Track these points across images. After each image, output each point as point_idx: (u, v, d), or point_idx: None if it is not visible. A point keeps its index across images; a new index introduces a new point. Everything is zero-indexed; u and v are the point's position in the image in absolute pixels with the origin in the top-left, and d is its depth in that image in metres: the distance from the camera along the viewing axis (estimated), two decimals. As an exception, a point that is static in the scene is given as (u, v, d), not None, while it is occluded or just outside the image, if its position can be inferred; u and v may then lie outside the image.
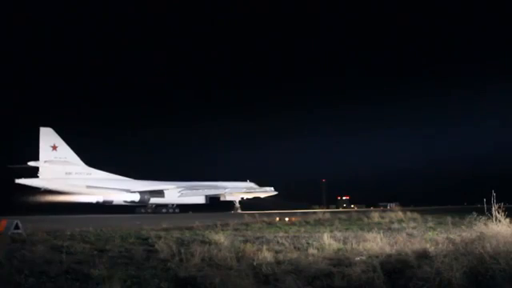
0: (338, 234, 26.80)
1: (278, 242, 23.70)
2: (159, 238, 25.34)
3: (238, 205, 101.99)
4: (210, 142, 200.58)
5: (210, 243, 22.71)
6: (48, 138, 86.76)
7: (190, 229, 34.51)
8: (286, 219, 48.09)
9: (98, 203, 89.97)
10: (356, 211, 77.48)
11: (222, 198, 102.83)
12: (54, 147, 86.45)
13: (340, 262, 17.08)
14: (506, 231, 19.40)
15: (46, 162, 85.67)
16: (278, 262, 16.97)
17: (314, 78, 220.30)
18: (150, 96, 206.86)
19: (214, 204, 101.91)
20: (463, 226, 28.63)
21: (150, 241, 24.74)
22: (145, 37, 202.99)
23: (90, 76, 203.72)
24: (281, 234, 29.28)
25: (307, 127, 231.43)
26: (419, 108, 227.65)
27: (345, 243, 22.27)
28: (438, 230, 30.99)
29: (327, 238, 23.01)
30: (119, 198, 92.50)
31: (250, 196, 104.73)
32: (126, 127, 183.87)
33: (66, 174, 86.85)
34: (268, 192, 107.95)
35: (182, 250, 19.12)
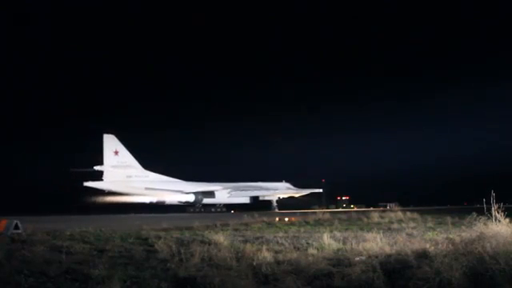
0: (338, 234, 26.80)
1: (277, 242, 23.71)
2: (159, 238, 25.33)
3: (275, 204, 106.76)
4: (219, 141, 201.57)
5: (209, 243, 22.70)
6: (111, 143, 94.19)
7: (189, 229, 34.51)
8: (286, 219, 48.10)
9: (151, 203, 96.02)
10: (356, 211, 77.49)
11: (261, 198, 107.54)
12: (116, 152, 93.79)
13: (340, 262, 17.08)
14: (505, 231, 19.37)
15: (110, 166, 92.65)
16: (278, 262, 16.96)
17: (313, 78, 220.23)
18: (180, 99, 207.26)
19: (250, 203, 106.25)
20: (463, 226, 28.63)
21: (149, 241, 24.72)
22: (187, 41, 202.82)
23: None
24: (280, 234, 29.28)
25: (307, 127, 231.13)
26: (419, 108, 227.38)
27: (344, 243, 22.28)
28: (438, 230, 30.99)
29: (327, 238, 23.02)
30: (174, 198, 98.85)
31: (286, 195, 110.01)
32: (162, 128, 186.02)
33: (127, 177, 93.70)
34: (302, 192, 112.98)
35: (182, 250, 19.13)
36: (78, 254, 20.03)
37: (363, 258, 17.72)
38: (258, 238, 26.35)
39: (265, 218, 45.91)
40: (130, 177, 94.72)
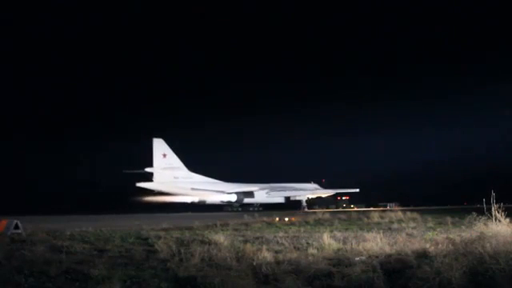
0: (338, 234, 26.78)
1: (277, 242, 23.70)
2: (159, 238, 25.35)
3: (304, 204, 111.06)
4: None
5: (209, 243, 22.70)
6: (159, 147, 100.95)
7: (189, 229, 34.52)
8: (286, 219, 48.10)
9: (192, 203, 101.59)
10: (356, 211, 77.50)
11: (292, 198, 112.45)
12: (164, 155, 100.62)
13: (340, 262, 17.07)
14: (505, 231, 19.40)
15: (159, 168, 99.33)
16: (278, 262, 16.95)
17: (313, 78, 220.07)
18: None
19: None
20: (463, 226, 28.64)
21: (149, 241, 24.73)
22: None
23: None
24: (280, 234, 29.27)
25: (307, 127, 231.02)
26: (420, 108, 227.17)
27: (344, 243, 22.26)
28: (438, 230, 30.96)
29: (327, 237, 23.00)
30: (217, 198, 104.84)
31: (315, 196, 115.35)
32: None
33: (175, 178, 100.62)
34: (329, 192, 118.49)
35: (182, 250, 19.13)
36: (78, 254, 20.04)
37: (363, 257, 17.72)
38: (258, 238, 26.34)
39: (265, 218, 45.90)
40: (176, 178, 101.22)
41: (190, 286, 13.85)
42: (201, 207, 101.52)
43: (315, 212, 55.16)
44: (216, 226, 37.11)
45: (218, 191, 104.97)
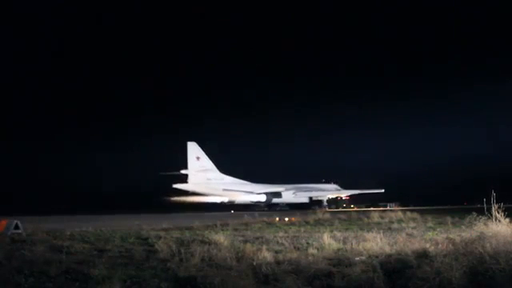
0: (338, 234, 26.79)
1: (277, 242, 23.70)
2: (159, 238, 25.35)
3: (325, 203, 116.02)
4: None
5: (209, 243, 22.70)
6: (193, 150, 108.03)
7: (189, 229, 34.53)
8: (286, 219, 48.11)
9: (222, 203, 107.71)
10: (356, 211, 77.51)
11: (314, 198, 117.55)
12: (198, 158, 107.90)
13: (340, 261, 17.07)
14: (505, 231, 19.40)
15: (193, 170, 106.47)
16: (278, 262, 16.96)
17: (312, 78, 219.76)
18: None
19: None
20: (463, 226, 28.61)
21: (149, 241, 24.73)
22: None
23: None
24: (281, 233, 29.26)
25: (306, 127, 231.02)
26: (419, 108, 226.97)
27: (345, 243, 22.28)
28: (438, 230, 30.99)
29: (327, 237, 23.02)
30: (248, 198, 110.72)
31: (335, 196, 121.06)
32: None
33: (207, 179, 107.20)
34: (350, 192, 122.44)
35: (182, 250, 19.14)
36: (78, 254, 20.04)
37: (363, 257, 17.73)
38: (258, 238, 26.35)
39: (265, 218, 45.91)
40: (209, 179, 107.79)
41: (190, 286, 13.86)
42: (230, 207, 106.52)
43: (316, 212, 55.20)
44: (216, 226, 37.09)
45: (247, 192, 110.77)
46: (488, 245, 15.83)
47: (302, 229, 34.71)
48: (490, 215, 21.80)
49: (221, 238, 24.22)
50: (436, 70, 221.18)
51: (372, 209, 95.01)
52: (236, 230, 34.41)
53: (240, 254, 18.74)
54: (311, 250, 20.08)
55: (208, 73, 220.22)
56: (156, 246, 21.37)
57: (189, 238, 26.65)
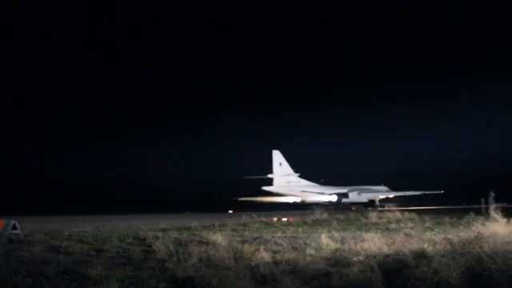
0: (336, 235, 26.80)
1: (275, 243, 23.70)
2: (157, 238, 25.30)
3: (378, 203, 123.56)
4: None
5: (207, 243, 22.69)
6: (276, 157, 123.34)
7: (187, 229, 34.47)
8: (284, 219, 48.10)
9: (294, 203, 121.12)
10: (354, 211, 77.56)
11: (370, 198, 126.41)
12: (280, 164, 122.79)
13: (338, 262, 17.11)
14: (503, 231, 19.47)
15: (278, 174, 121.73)
16: (276, 263, 16.98)
17: (309, 78, 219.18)
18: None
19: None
20: (461, 227, 28.62)
21: (147, 241, 24.71)
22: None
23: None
24: (279, 234, 29.25)
25: (306, 127, 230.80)
26: (418, 108, 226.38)
27: (342, 243, 22.30)
28: (436, 230, 31.02)
29: (325, 238, 23.04)
30: (321, 199, 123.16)
31: (385, 196, 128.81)
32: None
33: (288, 182, 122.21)
34: (397, 193, 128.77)
35: (180, 251, 19.12)
36: (75, 255, 20.04)
37: (361, 258, 17.76)
38: (256, 239, 26.33)
39: (263, 218, 45.86)
40: (289, 182, 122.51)
41: (187, 287, 13.87)
42: (302, 206, 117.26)
43: (314, 212, 55.21)
44: (214, 226, 37.08)
45: (320, 193, 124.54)
46: (486, 245, 15.88)
47: (300, 229, 34.70)
48: (487, 215, 21.85)
49: (219, 238, 24.20)
50: (438, 70, 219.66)
51: (370, 209, 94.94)
52: (234, 230, 34.39)
53: (238, 255, 18.76)
54: (309, 251, 20.11)
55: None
56: (154, 247, 21.35)
57: (187, 238, 26.66)
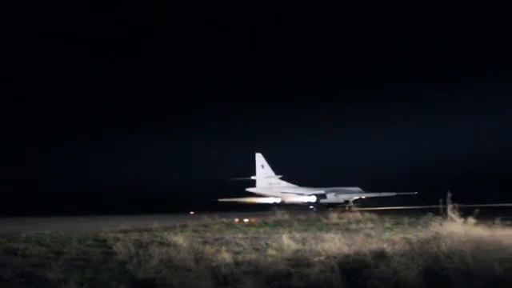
0: (297, 235, 26.93)
1: (237, 244, 23.68)
2: (117, 240, 25.03)
3: (351, 204, 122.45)
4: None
5: (168, 245, 22.55)
6: (259, 160, 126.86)
7: (148, 230, 34.18)
8: (246, 220, 48.11)
9: (274, 203, 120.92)
10: (315, 212, 78.07)
11: (345, 199, 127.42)
12: (262, 166, 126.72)
13: (299, 262, 17.20)
14: (460, 231, 19.82)
15: (260, 176, 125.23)
16: (237, 263, 16.99)
17: (304, 77, 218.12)
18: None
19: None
20: (419, 227, 29.08)
21: (107, 243, 24.44)
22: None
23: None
24: (240, 235, 29.28)
25: (289, 129, 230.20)
26: (377, 110, 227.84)
27: (303, 244, 22.41)
28: (395, 230, 31.44)
29: (286, 238, 23.11)
30: (300, 199, 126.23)
31: (358, 197, 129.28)
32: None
33: (269, 184, 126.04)
34: (370, 194, 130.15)
35: (141, 252, 18.98)
36: (33, 257, 19.71)
37: (322, 258, 17.88)
38: (217, 240, 26.30)
39: (224, 220, 45.75)
40: (271, 184, 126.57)
41: (148, 288, 13.78)
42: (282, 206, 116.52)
43: (275, 213, 55.34)
44: (175, 227, 36.85)
45: (299, 194, 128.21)
46: (443, 244, 16.15)
47: (262, 230, 34.76)
48: (445, 215, 22.25)
49: (180, 239, 24.07)
50: (420, 71, 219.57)
51: (331, 209, 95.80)
52: (195, 231, 34.26)
53: (199, 256, 18.72)
54: (270, 251, 20.17)
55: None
56: (114, 248, 21.12)
57: (147, 239, 26.45)
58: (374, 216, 45.91)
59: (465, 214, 22.03)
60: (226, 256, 18.00)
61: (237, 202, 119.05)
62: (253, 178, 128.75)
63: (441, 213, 22.67)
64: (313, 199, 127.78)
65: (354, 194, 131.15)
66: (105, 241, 25.63)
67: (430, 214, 23.07)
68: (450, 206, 22.23)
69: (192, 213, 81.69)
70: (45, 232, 30.47)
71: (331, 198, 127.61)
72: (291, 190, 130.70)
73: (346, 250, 19.49)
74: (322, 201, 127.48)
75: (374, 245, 20.47)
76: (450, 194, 23.58)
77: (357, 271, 15.03)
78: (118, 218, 53.65)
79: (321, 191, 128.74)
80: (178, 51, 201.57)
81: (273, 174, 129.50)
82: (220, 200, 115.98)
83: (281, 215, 50.45)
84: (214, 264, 16.76)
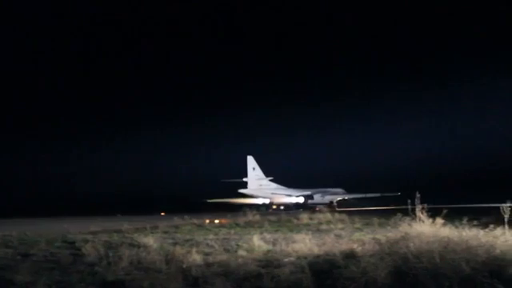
0: (268, 236, 27.01)
1: (207, 245, 23.67)
2: (86, 241, 24.80)
3: (335, 203, 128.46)
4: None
5: (138, 246, 22.44)
6: (250, 162, 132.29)
7: (118, 232, 33.91)
8: (216, 221, 48.07)
9: (263, 204, 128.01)
10: (286, 213, 78.34)
11: (330, 200, 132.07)
12: (253, 168, 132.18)
13: (269, 263, 17.23)
14: (428, 231, 20.03)
15: (251, 178, 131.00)
16: (208, 265, 16.96)
17: (301, 77, 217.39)
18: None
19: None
20: (389, 227, 29.34)
21: (76, 244, 24.20)
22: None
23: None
24: (211, 236, 29.25)
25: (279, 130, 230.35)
26: (349, 112, 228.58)
27: (274, 245, 22.46)
28: (365, 230, 31.73)
29: (257, 239, 23.15)
30: (289, 200, 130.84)
31: (341, 198, 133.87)
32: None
33: (260, 185, 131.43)
34: (353, 195, 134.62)
35: (110, 254, 18.87)
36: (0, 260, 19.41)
37: (292, 259, 17.95)
38: (187, 241, 26.25)
39: (195, 220, 45.64)
40: (261, 185, 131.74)
41: (117, 290, 13.68)
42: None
43: (246, 213, 55.33)
44: (146, 228, 36.62)
45: (288, 195, 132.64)
46: (412, 244, 16.31)
47: (232, 231, 34.76)
48: (414, 216, 22.49)
49: (150, 240, 23.96)
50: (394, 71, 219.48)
51: (301, 210, 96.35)
52: (166, 232, 34.12)
53: (169, 257, 18.62)
54: (241, 252, 20.18)
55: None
56: (83, 250, 20.92)
57: (117, 241, 26.27)
58: (345, 217, 46.26)
59: (433, 214, 22.28)
60: (196, 257, 17.95)
61: (226, 202, 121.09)
62: (245, 179, 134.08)
63: (410, 213, 22.91)
64: (301, 200, 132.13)
65: (337, 195, 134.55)
66: (73, 242, 25.37)
67: (399, 214, 23.31)
68: (418, 207, 22.46)
69: (163, 214, 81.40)
70: (11, 233, 30.04)
71: (318, 198, 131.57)
72: (280, 192, 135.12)
73: (316, 250, 19.59)
74: (310, 201, 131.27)
75: (343, 245, 20.62)
76: (418, 195, 23.84)
77: (327, 271, 15.11)
78: (87, 219, 53.17)
79: (308, 192, 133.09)
80: (178, 51, 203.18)
81: (263, 176, 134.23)
82: (209, 201, 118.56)
83: (251, 216, 50.48)
84: (184, 265, 16.70)
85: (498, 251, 15.54)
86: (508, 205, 20.68)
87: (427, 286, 13.10)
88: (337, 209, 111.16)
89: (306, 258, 17.70)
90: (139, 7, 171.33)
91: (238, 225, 42.16)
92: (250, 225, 42.12)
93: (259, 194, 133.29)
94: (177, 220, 44.17)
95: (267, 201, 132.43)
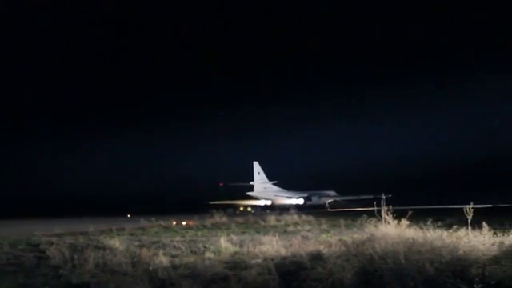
0: (235, 238, 26.99)
1: (174, 247, 23.58)
2: (51, 244, 24.48)
3: (327, 205, 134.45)
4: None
5: (104, 248, 22.22)
6: (256, 167, 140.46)
7: (84, 234, 33.53)
8: (184, 223, 47.88)
9: (265, 205, 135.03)
10: (252, 214, 78.46)
11: (324, 201, 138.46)
12: (259, 173, 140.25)
13: (236, 265, 17.23)
14: (393, 232, 20.32)
15: (257, 182, 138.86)
16: (175, 267, 16.88)
17: (292, 76, 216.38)
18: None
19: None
20: (355, 228, 29.67)
21: (41, 247, 23.87)
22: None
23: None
24: (178, 238, 29.12)
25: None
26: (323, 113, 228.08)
27: (241, 246, 22.47)
28: (332, 232, 31.95)
29: (224, 241, 23.14)
30: (289, 202, 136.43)
31: (333, 200, 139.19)
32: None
33: (264, 188, 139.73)
34: (345, 197, 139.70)
35: (75, 256, 18.61)
36: (-39, 263, 19.03)
37: (259, 260, 17.97)
38: (154, 243, 26.10)
39: (162, 222, 45.39)
40: (265, 188, 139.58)
41: (83, 293, 13.54)
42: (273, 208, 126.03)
43: (213, 215, 55.27)
44: (112, 230, 36.28)
45: (289, 197, 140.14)
46: (377, 246, 16.50)
47: (200, 233, 34.70)
48: (379, 217, 22.77)
49: (116, 242, 23.78)
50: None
51: (269, 212, 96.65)
52: (132, 234, 33.90)
53: (136, 259, 18.52)
54: (208, 254, 20.15)
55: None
56: (47, 253, 20.66)
57: (83, 243, 25.98)
58: (312, 218, 46.54)
59: (399, 215, 22.59)
60: (163, 259, 17.87)
61: (227, 204, 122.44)
62: (251, 183, 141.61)
63: (375, 215, 23.18)
64: (300, 201, 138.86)
65: (331, 198, 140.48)
66: (38, 245, 25.01)
67: (365, 215, 23.57)
68: (384, 208, 22.75)
69: (129, 216, 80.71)
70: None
71: (315, 200, 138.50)
72: (282, 194, 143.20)
73: (283, 252, 19.66)
74: (308, 203, 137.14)
75: (310, 247, 20.75)
76: (384, 196, 24.16)
77: (294, 273, 15.19)
78: (52, 221, 52.42)
79: (305, 194, 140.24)
80: (176, 51, 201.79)
81: (267, 179, 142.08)
82: (211, 203, 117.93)
83: (218, 218, 50.43)
84: (150, 268, 16.60)
85: (461, 252, 15.85)
86: (471, 206, 21.04)
87: (392, 287, 13.25)
88: (329, 209, 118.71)
89: (272, 259, 17.76)
90: (139, 7, 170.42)
91: (205, 226, 42.11)
92: (217, 226, 42.10)
93: (264, 197, 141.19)
94: (143, 222, 43.92)
95: (269, 202, 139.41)
